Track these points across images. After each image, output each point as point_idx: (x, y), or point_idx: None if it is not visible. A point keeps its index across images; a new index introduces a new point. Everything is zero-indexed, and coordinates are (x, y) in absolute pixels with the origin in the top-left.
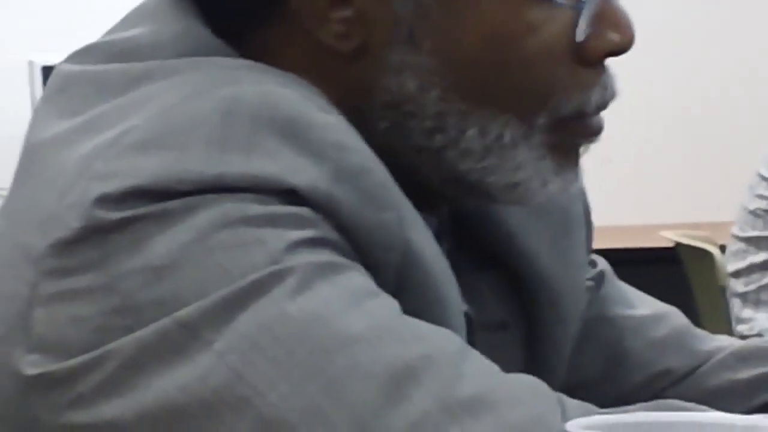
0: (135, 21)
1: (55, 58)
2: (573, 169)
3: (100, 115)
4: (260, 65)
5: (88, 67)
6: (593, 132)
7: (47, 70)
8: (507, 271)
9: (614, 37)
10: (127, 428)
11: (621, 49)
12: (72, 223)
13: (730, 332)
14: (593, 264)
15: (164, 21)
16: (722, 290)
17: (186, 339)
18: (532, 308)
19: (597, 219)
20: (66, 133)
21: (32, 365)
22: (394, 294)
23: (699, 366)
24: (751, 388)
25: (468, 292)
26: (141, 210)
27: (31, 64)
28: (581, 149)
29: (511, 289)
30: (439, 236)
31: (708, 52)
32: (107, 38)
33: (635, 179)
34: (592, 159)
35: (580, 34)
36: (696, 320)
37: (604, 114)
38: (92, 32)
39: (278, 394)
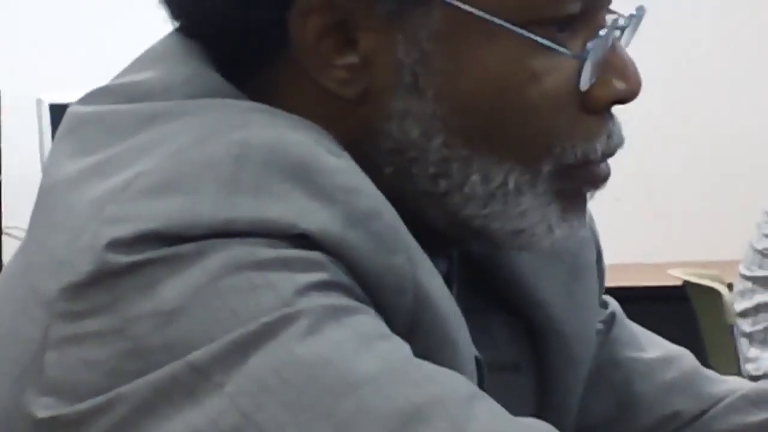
0: (145, 64)
1: (63, 97)
2: (579, 216)
3: (112, 157)
4: (269, 108)
5: (100, 108)
6: (600, 179)
7: (55, 109)
8: (518, 314)
9: (620, 85)
10: None
11: (626, 97)
12: (83, 266)
13: (739, 370)
14: (604, 305)
15: (174, 64)
16: (730, 329)
17: (197, 382)
18: (543, 352)
19: (606, 257)
20: (78, 174)
21: (44, 408)
22: (405, 336)
23: (708, 409)
24: None
25: (480, 333)
26: (152, 254)
27: (39, 102)
28: (588, 195)
29: (523, 332)
30: (448, 279)
31: (718, 92)
32: (119, 81)
33: (644, 218)
34: (601, 197)
35: (585, 83)
36: (704, 358)
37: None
38: (100, 71)
39: None
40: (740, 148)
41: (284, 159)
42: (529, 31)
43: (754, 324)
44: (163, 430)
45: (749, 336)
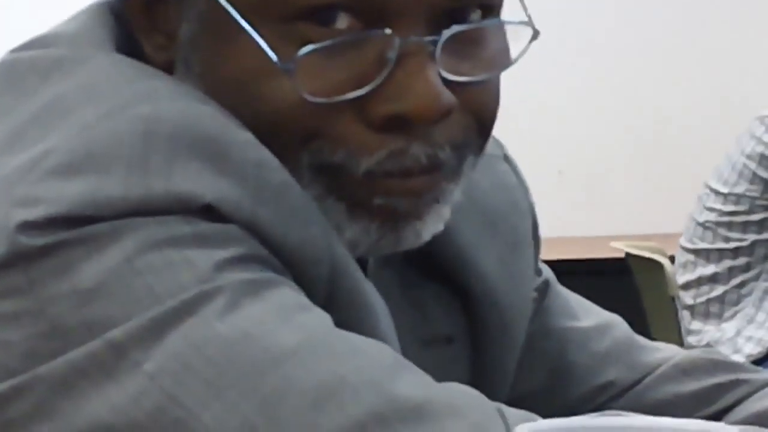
0: (63, 22)
1: None
2: (377, 223)
3: (19, 128)
4: (167, 75)
5: (6, 57)
6: (380, 191)
7: None
8: (455, 285)
9: (395, 103)
10: None
11: (403, 116)
12: None
13: (681, 342)
14: (538, 272)
15: (83, 20)
16: (672, 301)
17: (115, 360)
18: (478, 323)
19: (548, 230)
20: None
21: None
22: (325, 306)
23: (642, 378)
24: (695, 401)
25: (414, 305)
26: (65, 235)
27: None
28: (392, 206)
29: (458, 304)
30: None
31: (659, 65)
32: (38, 35)
33: (586, 191)
34: (543, 170)
35: (304, 93)
36: (646, 331)
37: (556, 125)
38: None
39: (212, 414)
40: (682, 122)
41: (193, 134)
42: (263, 27)
43: (696, 296)
44: (82, 410)
45: (691, 308)
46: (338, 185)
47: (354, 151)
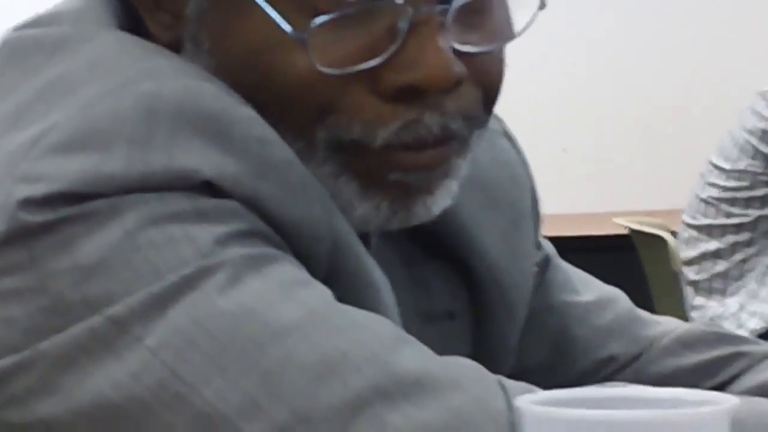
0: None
1: None
2: (390, 199)
3: (23, 105)
4: (172, 53)
5: (10, 35)
6: (398, 166)
7: None
8: (456, 261)
9: (408, 73)
10: (62, 427)
11: (417, 85)
12: None
13: (685, 318)
14: (539, 247)
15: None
16: (676, 276)
17: (115, 335)
18: (480, 299)
19: (552, 207)
20: None
21: None
22: (326, 282)
23: (643, 352)
24: (696, 374)
25: (416, 281)
26: (66, 212)
27: None
28: (405, 182)
29: (460, 280)
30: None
31: (663, 43)
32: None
33: (590, 167)
34: (548, 148)
35: (319, 63)
36: (650, 307)
37: (560, 102)
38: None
39: (214, 389)
40: (685, 98)
41: (195, 111)
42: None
43: (699, 272)
44: (84, 386)
45: (695, 284)
46: (354, 162)
47: (370, 124)
